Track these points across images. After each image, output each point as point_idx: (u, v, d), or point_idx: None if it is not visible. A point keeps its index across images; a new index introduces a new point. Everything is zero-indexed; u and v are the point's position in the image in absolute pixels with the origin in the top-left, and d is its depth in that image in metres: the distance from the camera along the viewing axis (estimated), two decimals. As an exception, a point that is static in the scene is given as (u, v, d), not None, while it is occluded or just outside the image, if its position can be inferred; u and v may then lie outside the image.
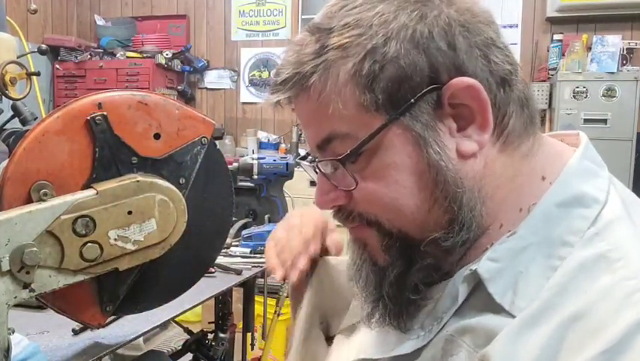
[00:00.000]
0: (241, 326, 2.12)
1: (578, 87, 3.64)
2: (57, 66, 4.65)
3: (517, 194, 0.56)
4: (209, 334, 2.01)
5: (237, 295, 2.19)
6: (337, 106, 0.54)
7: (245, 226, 2.02)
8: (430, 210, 0.55)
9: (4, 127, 1.62)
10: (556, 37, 4.03)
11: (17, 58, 1.67)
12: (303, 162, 0.69)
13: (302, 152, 3.88)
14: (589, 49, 3.75)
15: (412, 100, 0.52)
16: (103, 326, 0.88)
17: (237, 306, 2.13)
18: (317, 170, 0.60)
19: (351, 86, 0.53)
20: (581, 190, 0.55)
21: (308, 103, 0.56)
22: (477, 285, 0.54)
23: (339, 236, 0.84)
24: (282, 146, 4.65)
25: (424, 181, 0.54)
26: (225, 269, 1.62)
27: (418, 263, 0.57)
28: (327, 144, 0.57)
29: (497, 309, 0.52)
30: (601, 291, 0.48)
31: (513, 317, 0.51)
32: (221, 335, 2.00)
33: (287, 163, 2.06)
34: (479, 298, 0.54)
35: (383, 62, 0.52)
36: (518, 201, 0.56)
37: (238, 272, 1.61)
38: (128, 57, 4.64)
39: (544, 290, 0.51)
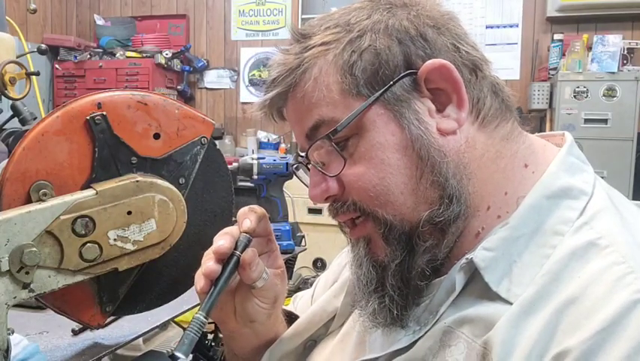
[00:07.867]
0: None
1: (578, 87, 3.63)
2: (56, 66, 4.64)
3: (501, 176, 0.59)
4: (209, 334, 2.01)
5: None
6: (322, 93, 0.59)
7: (245, 226, 2.01)
8: (418, 186, 0.57)
9: (4, 127, 1.61)
10: (556, 36, 4.02)
11: (17, 57, 1.66)
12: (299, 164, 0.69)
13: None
14: (589, 49, 3.75)
15: (391, 82, 0.57)
16: (102, 327, 0.88)
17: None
18: (308, 166, 0.63)
19: (333, 73, 0.59)
20: (568, 183, 0.58)
21: (296, 97, 0.61)
22: (472, 276, 0.57)
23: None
24: (282, 146, 4.64)
25: (408, 156, 0.57)
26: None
27: (420, 246, 0.59)
28: (315, 131, 0.60)
29: (493, 297, 0.55)
30: (592, 275, 0.51)
31: (509, 303, 0.53)
32: (221, 335, 1.99)
33: (287, 163, 2.05)
34: (475, 288, 0.56)
35: (360, 50, 0.58)
36: (504, 185, 0.59)
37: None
38: (127, 57, 4.62)
39: (538, 277, 0.53)
